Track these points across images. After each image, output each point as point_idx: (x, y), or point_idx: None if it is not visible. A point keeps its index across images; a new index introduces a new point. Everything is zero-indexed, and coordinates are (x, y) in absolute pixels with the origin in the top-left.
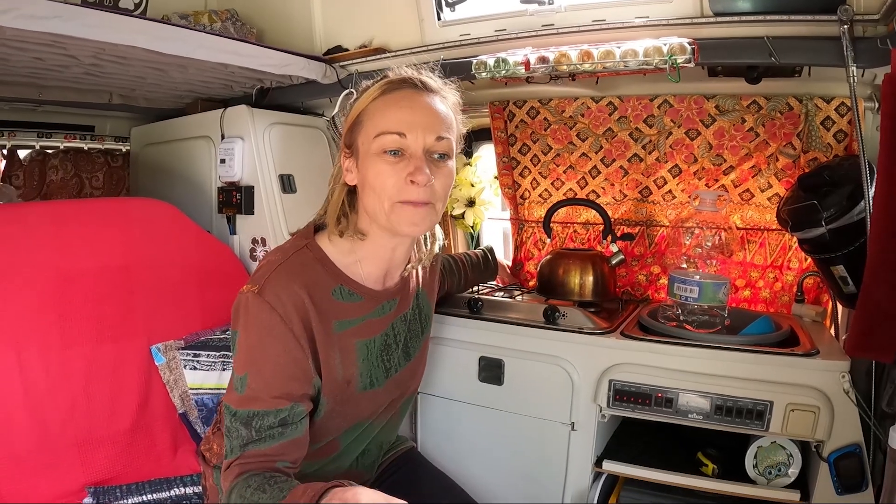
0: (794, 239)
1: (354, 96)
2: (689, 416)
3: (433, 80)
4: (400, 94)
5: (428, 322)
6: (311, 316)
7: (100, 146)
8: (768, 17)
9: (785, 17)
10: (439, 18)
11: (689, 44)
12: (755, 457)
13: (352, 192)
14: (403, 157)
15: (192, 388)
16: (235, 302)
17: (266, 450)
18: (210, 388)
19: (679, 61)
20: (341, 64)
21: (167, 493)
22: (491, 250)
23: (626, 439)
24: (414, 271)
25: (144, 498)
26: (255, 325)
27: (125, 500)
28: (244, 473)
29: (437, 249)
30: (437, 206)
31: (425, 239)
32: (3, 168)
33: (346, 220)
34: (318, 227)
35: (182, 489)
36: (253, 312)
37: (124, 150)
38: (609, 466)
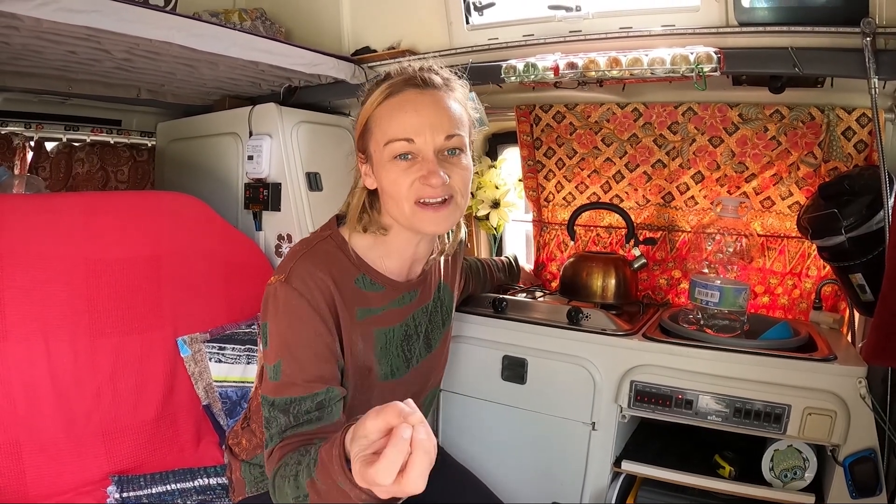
0: (813, 247)
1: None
2: (709, 418)
3: (436, 76)
4: (403, 96)
5: (449, 314)
6: (336, 301)
7: (126, 140)
8: (792, 28)
9: (809, 29)
10: (468, 22)
11: (715, 53)
12: (772, 460)
13: (372, 193)
14: (416, 161)
15: (217, 381)
16: (264, 294)
17: (304, 432)
18: (234, 381)
19: (705, 70)
20: (370, 65)
21: (191, 482)
22: (515, 258)
23: (643, 440)
24: (436, 264)
25: (168, 487)
26: (284, 312)
27: (149, 489)
28: (284, 456)
29: (461, 237)
30: (457, 199)
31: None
32: (30, 160)
33: (368, 218)
34: (340, 221)
35: (206, 479)
36: (282, 300)
37: (150, 144)
38: (628, 466)
